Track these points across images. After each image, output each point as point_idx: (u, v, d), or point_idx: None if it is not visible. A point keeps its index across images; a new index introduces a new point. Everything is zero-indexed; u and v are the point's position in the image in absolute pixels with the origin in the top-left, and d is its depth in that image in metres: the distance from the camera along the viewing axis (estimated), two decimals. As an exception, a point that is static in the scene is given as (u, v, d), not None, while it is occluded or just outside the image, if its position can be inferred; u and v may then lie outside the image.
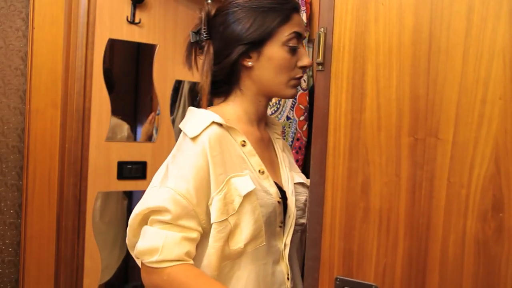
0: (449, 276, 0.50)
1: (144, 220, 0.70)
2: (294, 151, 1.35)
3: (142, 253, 0.66)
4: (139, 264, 0.72)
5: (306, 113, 1.32)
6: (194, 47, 0.81)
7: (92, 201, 1.58)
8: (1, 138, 1.48)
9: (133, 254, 0.75)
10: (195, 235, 0.68)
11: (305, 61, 0.75)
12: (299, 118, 1.34)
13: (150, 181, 1.65)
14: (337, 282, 0.54)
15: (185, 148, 0.71)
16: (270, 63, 0.74)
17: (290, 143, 1.36)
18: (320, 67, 0.52)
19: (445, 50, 0.49)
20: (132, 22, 1.58)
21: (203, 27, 0.78)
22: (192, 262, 0.68)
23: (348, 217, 0.53)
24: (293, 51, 0.74)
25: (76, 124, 1.52)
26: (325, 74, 0.52)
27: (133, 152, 1.64)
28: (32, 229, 1.51)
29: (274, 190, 0.74)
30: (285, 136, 1.37)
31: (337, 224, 0.53)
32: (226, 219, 0.68)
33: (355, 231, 0.52)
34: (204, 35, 0.77)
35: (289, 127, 1.36)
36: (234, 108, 0.78)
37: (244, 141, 0.74)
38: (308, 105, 1.33)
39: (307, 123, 1.33)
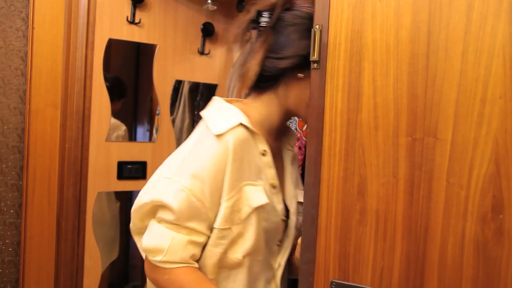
0: (448, 279, 0.49)
1: (153, 210, 0.68)
2: (294, 151, 1.34)
3: (147, 250, 0.66)
4: (143, 256, 0.72)
5: (306, 113, 1.32)
6: (251, 27, 0.76)
7: (92, 201, 1.57)
8: (1, 138, 1.48)
9: (135, 239, 0.75)
10: (202, 239, 0.66)
11: None
12: (299, 118, 1.33)
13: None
14: (333, 286, 0.53)
15: (206, 143, 0.67)
16: None
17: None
18: (315, 65, 0.51)
19: (444, 48, 0.48)
20: (132, 22, 1.57)
21: (272, 13, 0.72)
22: (196, 265, 0.67)
23: (344, 219, 0.52)
24: None
25: (76, 124, 1.52)
26: (320, 72, 0.51)
27: (133, 152, 1.64)
28: (32, 229, 1.51)
29: (280, 207, 0.72)
30: (285, 136, 1.36)
31: (332, 226, 0.52)
32: (230, 228, 0.66)
33: (351, 233, 0.51)
34: (269, 22, 0.72)
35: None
36: (260, 111, 0.74)
37: (265, 151, 0.71)
38: (308, 105, 1.31)
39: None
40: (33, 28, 1.47)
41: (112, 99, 1.74)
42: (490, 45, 0.46)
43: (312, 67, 0.52)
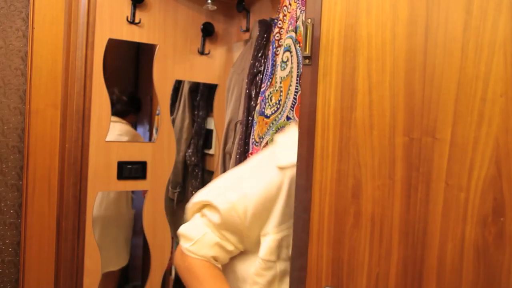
0: (447, 286, 0.47)
1: (202, 208, 0.74)
2: (294, 152, 1.32)
3: (181, 235, 0.73)
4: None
5: (306, 113, 1.29)
6: None
7: (92, 201, 1.57)
8: (1, 138, 1.48)
9: None
10: (231, 248, 0.70)
11: None
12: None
13: (150, 181, 1.63)
14: (327, 292, 0.51)
15: (266, 169, 0.69)
16: None
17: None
18: (307, 61, 0.49)
19: (443, 44, 0.46)
20: (132, 22, 1.57)
21: None
22: (219, 265, 0.70)
23: (337, 223, 0.50)
24: None
25: (76, 124, 1.52)
26: (312, 68, 0.49)
27: (133, 152, 1.63)
28: (32, 229, 1.50)
29: None
30: (285, 136, 1.35)
31: (325, 231, 0.50)
32: (275, 261, 0.66)
33: (345, 238, 0.49)
34: None
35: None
36: None
37: None
38: (308, 105, 1.29)
39: (307, 123, 1.30)
40: (33, 28, 1.47)
41: (129, 113, 1.79)
42: (490, 41, 0.44)
43: (303, 63, 0.50)
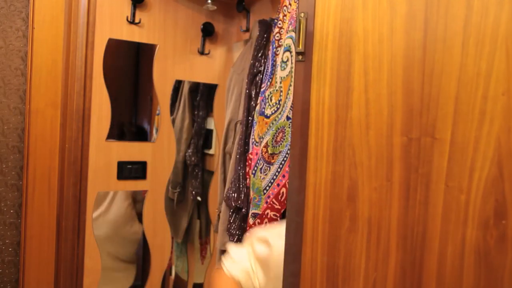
0: (447, 292, 0.45)
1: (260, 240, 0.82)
2: (294, 152, 1.31)
3: (227, 251, 0.83)
4: None
5: (306, 113, 1.28)
6: None
7: (92, 201, 1.57)
8: (1, 138, 1.48)
9: None
10: (256, 283, 0.75)
11: None
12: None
13: (150, 181, 1.64)
14: (323, 297, 0.49)
15: None
16: None
17: (290, 143, 1.32)
18: (300, 57, 0.47)
19: (442, 40, 0.44)
20: (132, 22, 1.56)
21: None
22: (241, 286, 0.77)
23: (332, 226, 0.48)
24: None
25: (76, 124, 1.52)
26: (305, 65, 0.47)
27: (133, 152, 1.63)
28: (32, 229, 1.50)
29: None
30: (285, 136, 1.34)
31: (319, 235, 0.48)
32: None
33: (341, 243, 0.47)
34: None
35: (289, 127, 1.33)
36: None
37: None
38: (308, 105, 1.28)
39: (307, 123, 1.28)
40: (33, 28, 1.46)
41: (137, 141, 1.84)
42: (492, 37, 0.42)
43: (296, 59, 0.48)
